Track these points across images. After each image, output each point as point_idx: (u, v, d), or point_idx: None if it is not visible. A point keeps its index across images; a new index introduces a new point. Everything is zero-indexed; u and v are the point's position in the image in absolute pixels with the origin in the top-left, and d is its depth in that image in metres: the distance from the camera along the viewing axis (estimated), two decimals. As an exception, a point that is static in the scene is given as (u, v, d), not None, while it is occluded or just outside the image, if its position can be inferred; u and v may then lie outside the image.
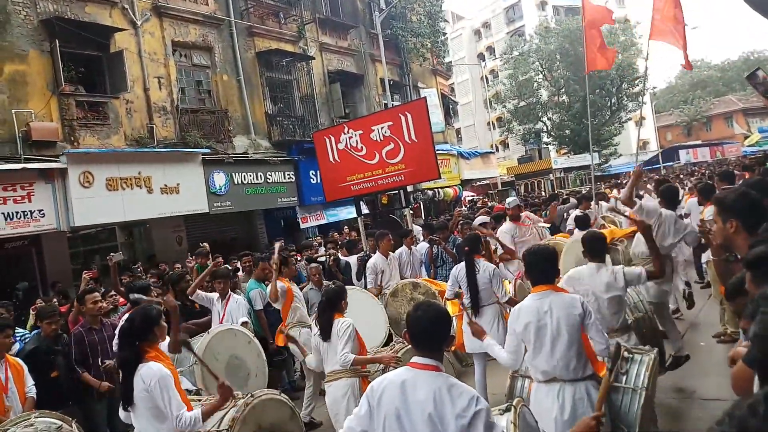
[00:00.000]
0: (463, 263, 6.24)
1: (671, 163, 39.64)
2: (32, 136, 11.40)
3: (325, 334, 4.90)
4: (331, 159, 11.47)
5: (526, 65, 40.65)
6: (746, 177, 9.41)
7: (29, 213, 11.19)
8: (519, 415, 2.99)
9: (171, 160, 13.86)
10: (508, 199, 9.73)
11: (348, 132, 11.20)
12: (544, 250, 3.92)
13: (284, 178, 17.02)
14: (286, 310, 6.85)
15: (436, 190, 23.00)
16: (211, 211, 14.78)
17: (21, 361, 5.27)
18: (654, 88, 48.78)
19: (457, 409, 2.43)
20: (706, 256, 7.69)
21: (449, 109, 28.83)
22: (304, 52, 18.60)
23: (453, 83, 42.86)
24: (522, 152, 49.70)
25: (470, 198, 31.14)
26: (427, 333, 2.66)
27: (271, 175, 16.58)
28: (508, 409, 3.04)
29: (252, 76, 16.94)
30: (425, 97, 13.16)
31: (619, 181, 24.24)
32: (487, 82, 51.98)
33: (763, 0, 10.12)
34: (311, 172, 16.95)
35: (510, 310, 4.14)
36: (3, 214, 10.77)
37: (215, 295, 6.92)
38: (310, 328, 5.97)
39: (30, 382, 5.20)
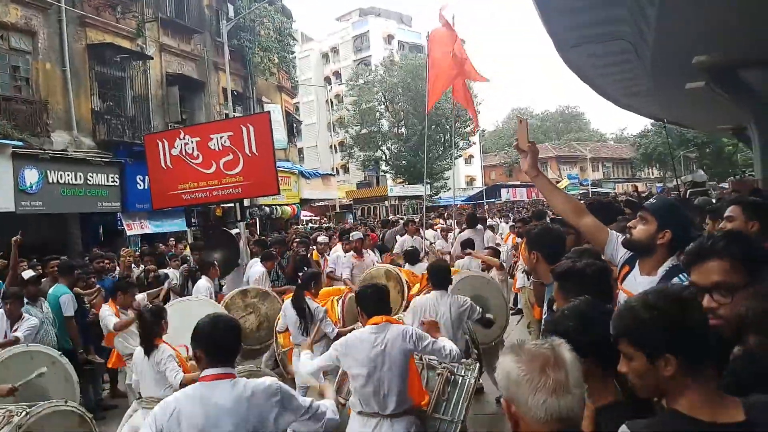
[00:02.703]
0: (289, 299, 6.17)
1: (494, 200, 42.86)
2: None
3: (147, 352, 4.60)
4: (163, 164, 10.78)
5: (370, 94, 41.98)
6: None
7: None
8: None
9: (-28, 150, 12.26)
10: (353, 233, 9.99)
11: (184, 138, 10.62)
12: (376, 286, 4.07)
13: (107, 181, 15.77)
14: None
15: (273, 207, 22.71)
16: (18, 210, 13.25)
17: None
18: (483, 130, 52.77)
19: (269, 403, 2.60)
20: (520, 282, 8.29)
21: (293, 127, 28.78)
22: (141, 50, 17.54)
23: (298, 103, 42.92)
24: (361, 177, 50.90)
25: (308, 218, 31.18)
26: (224, 345, 2.67)
27: (92, 177, 15.27)
28: None
29: (80, 68, 15.60)
30: (269, 111, 12.97)
31: (444, 213, 25.88)
32: (332, 106, 52.87)
33: (579, 61, 11.41)
34: (138, 177, 15.87)
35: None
36: None
37: (1, 315, 6.07)
38: None
39: None
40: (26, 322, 6.12)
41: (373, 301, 3.84)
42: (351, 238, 9.66)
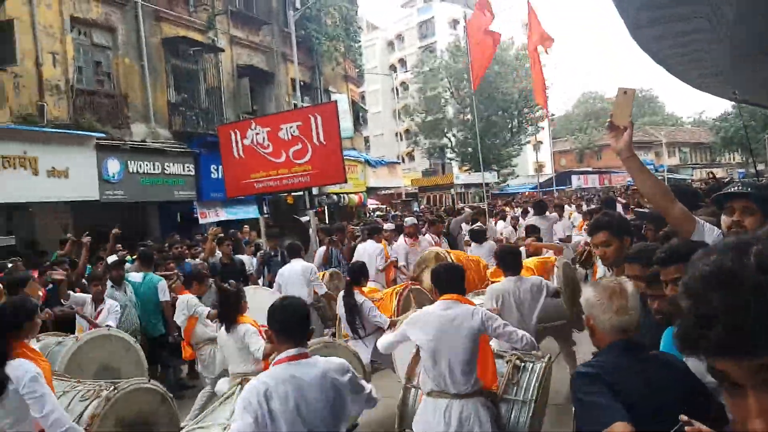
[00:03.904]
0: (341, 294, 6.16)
1: (564, 187, 41.83)
2: None
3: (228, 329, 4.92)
4: (236, 154, 11.16)
5: (436, 81, 41.65)
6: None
7: None
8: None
9: (61, 142, 13.02)
10: (407, 219, 10.08)
11: (255, 128, 10.95)
12: (452, 264, 4.21)
13: (183, 170, 16.42)
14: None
15: (341, 195, 23.02)
16: (102, 199, 13.99)
17: None
18: (552, 115, 51.32)
19: (344, 379, 2.78)
20: (601, 272, 8.08)
21: (359, 116, 28.99)
22: (213, 43, 18.08)
23: (364, 91, 43.15)
24: (427, 165, 50.78)
25: (374, 206, 31.44)
26: (296, 324, 2.80)
27: (169, 167, 15.95)
28: None
29: (156, 62, 16.26)
30: (336, 101, 13.12)
31: (512, 201, 25.55)
32: (398, 94, 52.81)
33: (652, 42, 10.99)
34: (212, 166, 16.46)
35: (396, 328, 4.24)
36: None
37: (88, 297, 6.47)
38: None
39: None
40: (111, 309, 6.40)
41: (446, 279, 3.89)
42: (405, 224, 9.76)
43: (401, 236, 9.55)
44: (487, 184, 39.14)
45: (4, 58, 12.43)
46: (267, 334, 2.90)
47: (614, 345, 2.22)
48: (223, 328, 4.95)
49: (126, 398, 3.98)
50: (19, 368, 3.31)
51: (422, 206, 34.11)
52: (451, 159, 45.63)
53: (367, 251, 8.77)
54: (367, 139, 42.94)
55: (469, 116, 41.30)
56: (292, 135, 10.60)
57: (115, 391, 3.95)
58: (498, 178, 40.67)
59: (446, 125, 42.26)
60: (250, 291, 6.67)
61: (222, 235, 9.97)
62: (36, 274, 6.50)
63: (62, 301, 6.32)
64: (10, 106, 12.38)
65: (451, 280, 3.88)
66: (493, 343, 4.23)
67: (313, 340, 5.26)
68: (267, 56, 20.86)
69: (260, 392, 2.57)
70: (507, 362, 4.13)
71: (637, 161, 2.86)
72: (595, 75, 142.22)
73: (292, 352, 2.72)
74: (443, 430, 3.62)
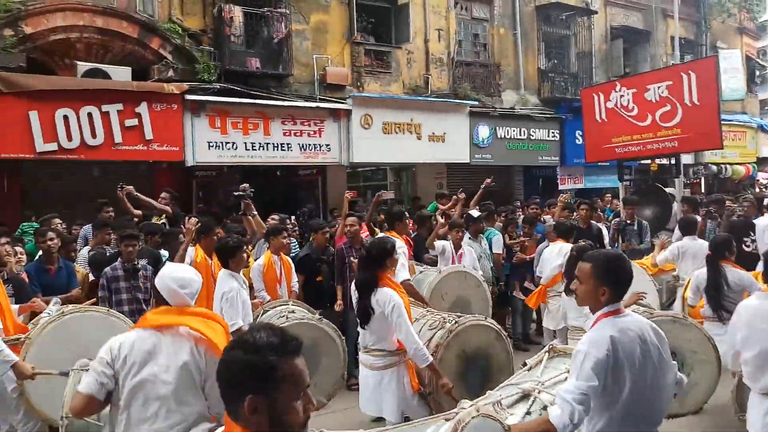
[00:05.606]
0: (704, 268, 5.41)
1: None
2: (327, 79, 13.02)
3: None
4: (598, 118, 10.99)
5: None
6: None
7: (318, 146, 12.88)
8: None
9: (441, 110, 14.60)
10: None
11: (619, 90, 10.58)
12: None
13: (548, 136, 16.75)
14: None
15: (723, 165, 20.43)
16: (472, 161, 15.27)
17: (290, 260, 6.45)
18: None
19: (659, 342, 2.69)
20: None
21: (754, 74, 25.03)
22: (587, 5, 17.73)
23: (766, 46, 36.79)
24: None
25: (767, 180, 26.98)
26: (630, 281, 2.79)
27: (534, 132, 16.46)
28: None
29: (529, 30, 16.78)
30: (715, 56, 11.72)
31: None
32: (815, 45, 43.56)
33: None
34: (577, 132, 16.30)
35: None
36: (299, 145, 12.60)
37: (448, 244, 7.19)
38: None
39: (295, 278, 6.38)
40: (468, 253, 7.23)
41: None
42: None
43: None
44: None
45: (400, 37, 14.53)
46: (599, 291, 2.69)
47: None
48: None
49: (466, 331, 4.45)
50: (386, 296, 4.09)
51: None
52: None
53: (761, 226, 7.62)
54: (765, 102, 36.71)
55: None
56: (660, 96, 9.95)
57: (457, 324, 4.46)
58: None
59: None
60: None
61: (577, 200, 10.01)
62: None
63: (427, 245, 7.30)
64: (403, 80, 14.42)
65: None
66: None
67: (658, 312, 5.06)
68: (644, 14, 19.52)
69: (607, 341, 2.54)
70: None
71: None
72: None
73: (615, 306, 2.67)
74: (759, 428, 3.30)
